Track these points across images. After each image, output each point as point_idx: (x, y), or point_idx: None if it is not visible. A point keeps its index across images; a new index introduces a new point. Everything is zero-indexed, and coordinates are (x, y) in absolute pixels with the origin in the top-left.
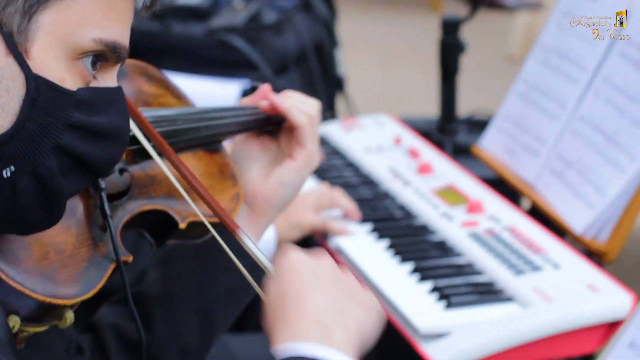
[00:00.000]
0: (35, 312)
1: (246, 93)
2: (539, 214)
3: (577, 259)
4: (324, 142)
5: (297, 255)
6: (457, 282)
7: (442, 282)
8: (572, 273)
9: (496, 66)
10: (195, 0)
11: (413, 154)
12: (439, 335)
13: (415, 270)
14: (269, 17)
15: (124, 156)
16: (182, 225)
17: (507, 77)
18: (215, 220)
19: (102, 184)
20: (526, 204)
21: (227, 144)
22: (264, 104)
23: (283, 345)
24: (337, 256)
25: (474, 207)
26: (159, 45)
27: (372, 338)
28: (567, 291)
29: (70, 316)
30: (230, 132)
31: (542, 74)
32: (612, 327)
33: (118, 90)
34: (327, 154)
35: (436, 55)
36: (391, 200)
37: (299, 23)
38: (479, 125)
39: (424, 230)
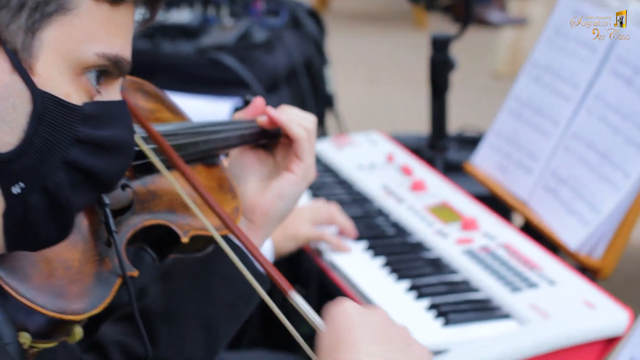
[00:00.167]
0: (46, 328)
1: (237, 111)
2: (531, 231)
3: (572, 276)
4: (316, 160)
5: (350, 306)
6: (454, 299)
7: (439, 300)
8: (568, 290)
9: (482, 83)
10: (184, 18)
11: (406, 171)
12: (437, 352)
13: (411, 288)
14: (259, 35)
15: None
16: (185, 240)
17: (493, 94)
18: (224, 232)
19: (106, 199)
20: (518, 220)
21: (223, 158)
22: (262, 119)
23: None
24: (332, 273)
25: (468, 224)
26: (149, 64)
27: None
28: (564, 308)
29: (79, 331)
30: (228, 146)
31: (534, 91)
32: (609, 343)
33: (122, 104)
34: (320, 172)
35: (422, 72)
36: (385, 217)
37: (288, 41)
38: (468, 142)
39: (419, 247)
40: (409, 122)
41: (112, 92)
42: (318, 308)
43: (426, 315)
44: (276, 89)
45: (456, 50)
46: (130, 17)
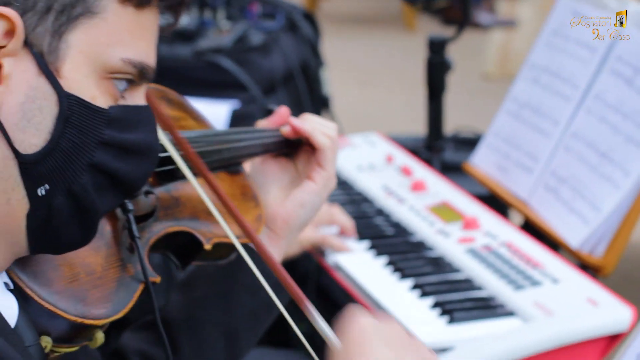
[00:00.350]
0: (67, 332)
1: (235, 114)
2: (531, 230)
3: (575, 274)
4: None
5: (366, 319)
6: (458, 297)
7: (443, 298)
8: (571, 287)
9: (472, 84)
10: (181, 22)
11: (405, 171)
12: (443, 350)
13: (415, 287)
14: (256, 38)
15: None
16: (208, 247)
17: (483, 95)
18: (245, 241)
19: (130, 205)
20: (516, 220)
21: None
22: (285, 129)
23: None
24: (335, 273)
25: (469, 224)
26: None
27: None
28: (568, 305)
29: (100, 336)
30: (251, 154)
31: (532, 92)
32: (612, 340)
33: (147, 109)
34: None
35: (413, 73)
36: (386, 217)
37: (285, 44)
38: (464, 143)
39: (421, 246)
40: (402, 123)
41: (136, 97)
42: (316, 308)
43: (431, 313)
44: (273, 91)
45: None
46: (155, 22)
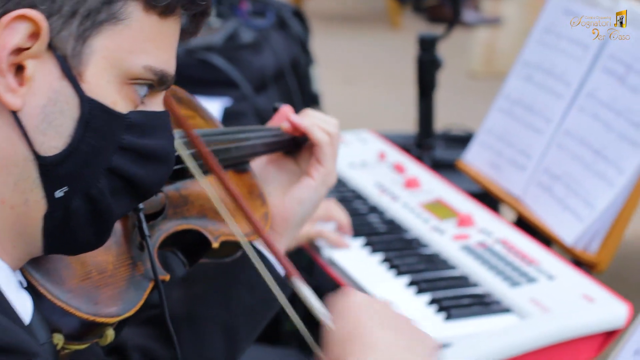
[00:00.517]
0: (78, 330)
1: (227, 111)
2: (523, 226)
3: (570, 270)
4: None
5: (360, 296)
6: (454, 294)
7: (440, 294)
8: (567, 284)
9: (458, 82)
10: None
11: (398, 169)
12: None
13: (412, 283)
14: (247, 35)
15: None
16: (215, 245)
17: (469, 93)
18: (253, 238)
19: (140, 204)
20: (508, 217)
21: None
22: (285, 125)
23: None
24: (330, 269)
25: (464, 221)
26: None
27: None
28: (564, 302)
29: (110, 334)
30: (258, 153)
31: (525, 90)
32: (608, 336)
33: (165, 115)
34: None
35: (399, 71)
36: (380, 214)
37: (275, 41)
38: (455, 140)
39: (416, 243)
40: (388, 121)
41: (155, 103)
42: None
43: (427, 310)
44: (264, 89)
45: None
46: (177, 31)
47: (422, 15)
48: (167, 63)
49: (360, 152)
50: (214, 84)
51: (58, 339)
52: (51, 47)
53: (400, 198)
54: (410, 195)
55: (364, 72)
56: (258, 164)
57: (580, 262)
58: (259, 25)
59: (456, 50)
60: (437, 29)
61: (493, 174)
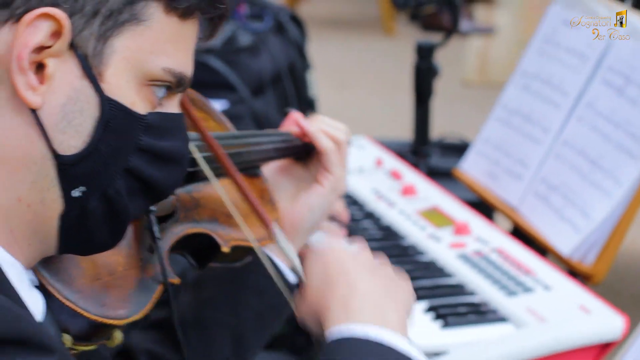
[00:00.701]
0: (87, 331)
1: (224, 114)
2: (519, 236)
3: (566, 281)
4: None
5: (339, 243)
6: (451, 302)
7: (437, 302)
8: (563, 294)
9: (452, 91)
10: None
11: (395, 175)
12: (436, 354)
13: None
14: (244, 39)
15: None
16: (226, 249)
17: (463, 102)
18: (264, 243)
19: (152, 206)
20: (504, 226)
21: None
22: (294, 130)
23: (338, 327)
24: None
25: (460, 229)
26: None
27: (411, 321)
28: (560, 312)
29: (118, 336)
30: (271, 157)
31: (523, 100)
32: (604, 348)
33: (181, 117)
34: None
35: (392, 77)
36: (376, 221)
37: (273, 45)
38: (450, 149)
39: (412, 251)
40: (381, 126)
41: (171, 105)
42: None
43: (424, 317)
44: (262, 92)
45: None
46: (195, 33)
47: (416, 22)
48: (185, 65)
49: (357, 158)
50: (212, 87)
51: (66, 339)
52: (72, 46)
53: (396, 205)
54: (407, 202)
55: (357, 77)
56: (268, 170)
57: (576, 273)
58: (256, 28)
59: (450, 58)
60: (431, 37)
61: (490, 183)
